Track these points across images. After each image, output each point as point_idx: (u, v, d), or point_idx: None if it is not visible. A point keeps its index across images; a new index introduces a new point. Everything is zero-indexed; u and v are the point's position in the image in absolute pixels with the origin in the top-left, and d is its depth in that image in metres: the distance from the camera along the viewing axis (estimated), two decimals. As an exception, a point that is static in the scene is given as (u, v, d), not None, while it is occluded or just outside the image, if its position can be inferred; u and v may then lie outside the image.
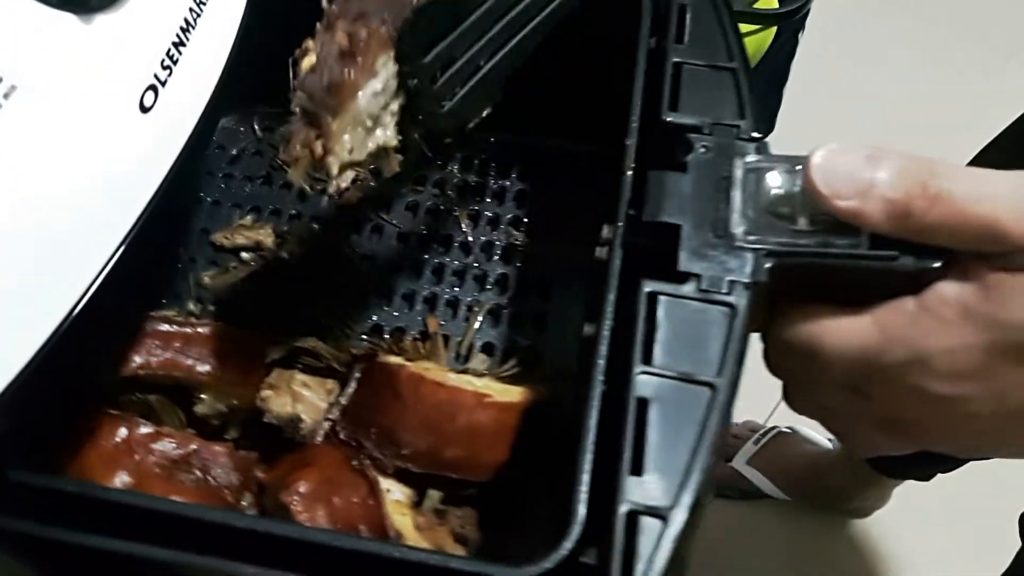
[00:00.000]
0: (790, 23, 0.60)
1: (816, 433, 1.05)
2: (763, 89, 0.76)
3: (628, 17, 0.39)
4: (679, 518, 0.26)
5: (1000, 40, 1.48)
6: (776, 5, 0.57)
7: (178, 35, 0.31)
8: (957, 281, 0.28)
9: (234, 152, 0.53)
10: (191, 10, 0.32)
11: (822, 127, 1.10)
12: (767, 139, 0.35)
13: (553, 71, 0.47)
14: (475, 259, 0.49)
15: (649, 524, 0.26)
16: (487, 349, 0.46)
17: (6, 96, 0.25)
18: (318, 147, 0.31)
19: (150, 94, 0.30)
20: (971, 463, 0.84)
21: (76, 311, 0.28)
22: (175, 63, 0.31)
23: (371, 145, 0.34)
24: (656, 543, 0.25)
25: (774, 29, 0.61)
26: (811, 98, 1.11)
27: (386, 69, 0.33)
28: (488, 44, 0.36)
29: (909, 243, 0.29)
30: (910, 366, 0.28)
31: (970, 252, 0.28)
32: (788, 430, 1.06)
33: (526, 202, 0.51)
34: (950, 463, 0.87)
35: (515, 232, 0.50)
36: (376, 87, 0.32)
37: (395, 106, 0.34)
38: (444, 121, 0.37)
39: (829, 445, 1.03)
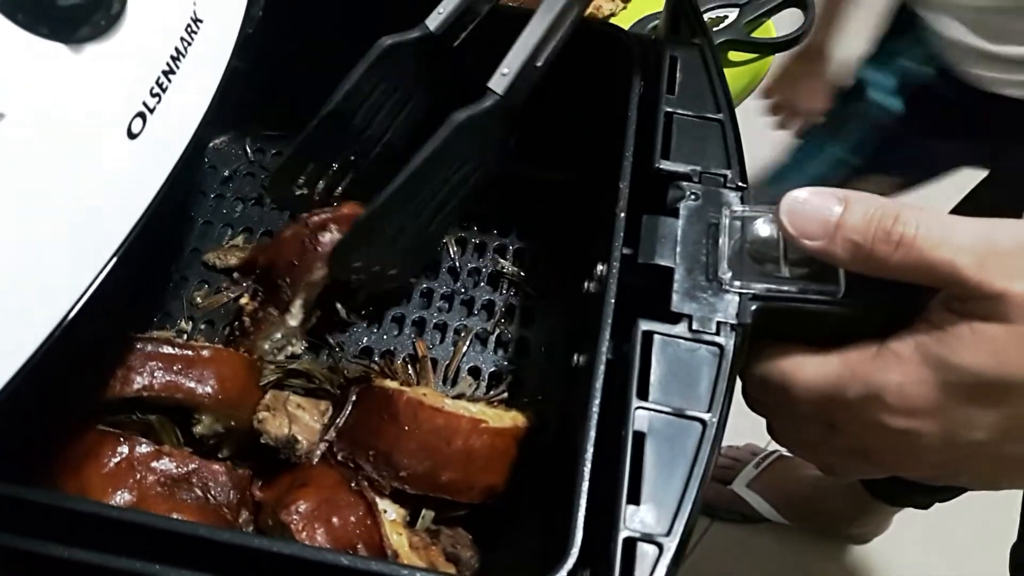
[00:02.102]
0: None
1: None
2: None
3: (619, 64, 0.42)
4: (673, 545, 0.28)
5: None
6: (774, 34, 0.60)
7: (168, 63, 0.32)
8: (919, 325, 0.31)
9: (226, 173, 0.54)
10: (182, 39, 0.33)
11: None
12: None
13: (541, 107, 0.49)
14: (462, 284, 0.51)
15: (645, 550, 0.28)
16: (473, 372, 0.48)
17: None
18: None
19: (138, 121, 0.31)
20: (969, 493, 0.86)
21: (61, 328, 0.29)
22: (164, 91, 0.32)
23: (281, 358, 0.46)
24: (652, 568, 0.27)
25: (772, 58, 0.64)
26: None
27: (282, 327, 0.46)
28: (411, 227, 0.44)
29: (883, 292, 0.32)
30: (868, 399, 0.31)
31: (938, 298, 0.30)
32: (789, 454, 1.05)
33: (512, 230, 0.53)
34: (947, 493, 0.88)
35: (501, 260, 0.52)
36: (275, 337, 0.46)
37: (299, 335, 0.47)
38: (392, 283, 0.47)
39: None
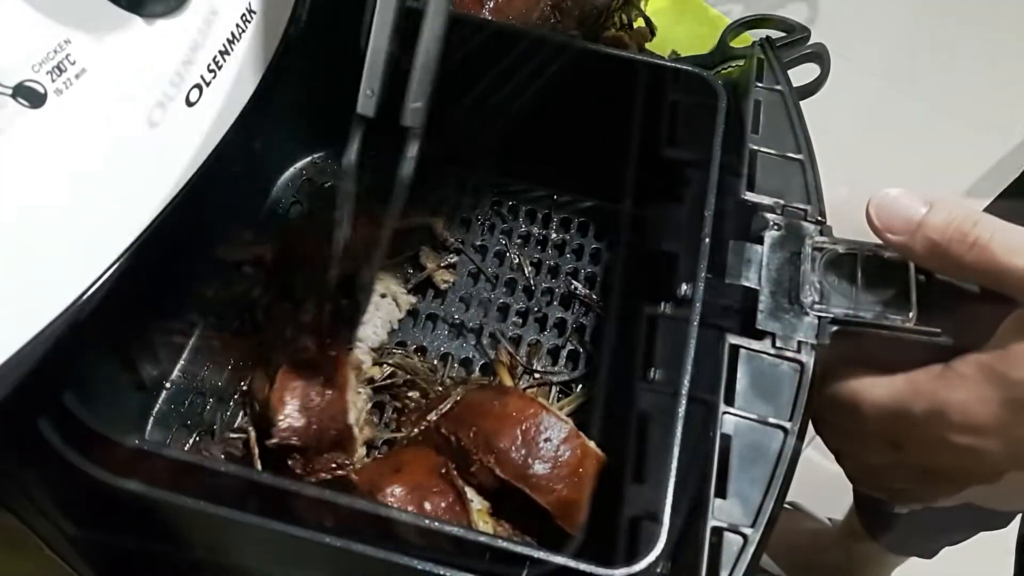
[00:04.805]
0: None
1: (817, 510, 1.05)
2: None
3: (706, 104, 0.45)
4: (757, 536, 0.31)
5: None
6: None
7: (224, 45, 0.37)
8: (984, 347, 0.32)
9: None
10: (237, 25, 0.37)
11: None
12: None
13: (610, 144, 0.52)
14: (536, 303, 0.54)
15: (731, 539, 0.31)
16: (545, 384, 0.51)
17: (78, 76, 0.30)
18: None
19: (195, 91, 0.35)
20: (975, 541, 0.84)
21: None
22: (219, 68, 0.36)
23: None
24: (737, 556, 0.30)
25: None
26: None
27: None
28: None
29: (953, 319, 0.34)
30: (933, 416, 0.33)
31: (1005, 324, 0.32)
32: (789, 506, 1.06)
33: (584, 255, 0.56)
34: (956, 537, 0.87)
35: (574, 281, 0.55)
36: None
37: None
38: None
39: (828, 523, 1.03)
